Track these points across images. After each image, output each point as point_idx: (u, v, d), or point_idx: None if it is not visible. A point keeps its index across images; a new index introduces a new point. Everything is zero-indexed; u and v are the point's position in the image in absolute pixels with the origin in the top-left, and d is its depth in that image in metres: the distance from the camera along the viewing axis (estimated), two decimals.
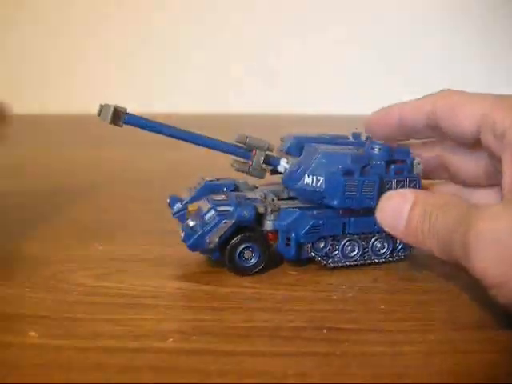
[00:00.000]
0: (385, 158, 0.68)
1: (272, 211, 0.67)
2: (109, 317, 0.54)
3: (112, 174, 1.25)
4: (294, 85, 2.16)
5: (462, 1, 2.12)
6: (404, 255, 0.71)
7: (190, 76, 2.18)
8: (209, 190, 0.70)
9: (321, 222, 0.66)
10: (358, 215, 0.68)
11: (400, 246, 0.71)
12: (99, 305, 0.57)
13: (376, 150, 0.68)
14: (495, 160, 0.64)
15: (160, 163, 1.38)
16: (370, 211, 0.65)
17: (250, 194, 0.70)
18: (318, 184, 0.65)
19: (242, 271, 0.66)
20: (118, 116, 0.65)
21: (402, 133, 0.75)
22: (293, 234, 0.65)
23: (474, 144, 0.66)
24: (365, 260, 0.69)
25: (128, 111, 0.65)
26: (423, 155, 0.75)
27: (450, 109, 0.67)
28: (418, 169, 0.71)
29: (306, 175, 0.66)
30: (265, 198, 0.69)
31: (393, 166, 0.69)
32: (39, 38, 2.21)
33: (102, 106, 0.65)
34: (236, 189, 0.72)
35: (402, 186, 0.69)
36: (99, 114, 0.65)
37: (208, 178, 0.73)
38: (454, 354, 0.49)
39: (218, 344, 0.50)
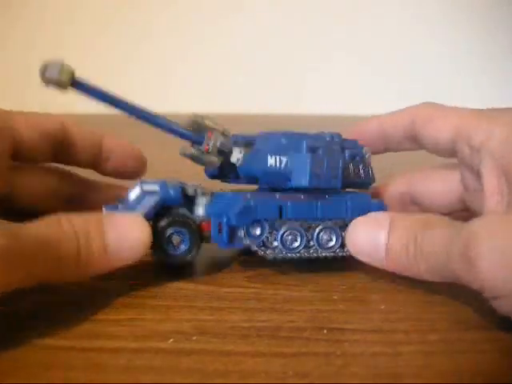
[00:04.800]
0: (338, 143, 0.66)
1: (203, 194, 0.63)
2: (109, 317, 0.54)
3: None
4: (293, 85, 2.16)
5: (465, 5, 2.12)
6: None
7: (190, 77, 2.18)
8: None
9: (252, 202, 0.62)
10: (297, 200, 0.64)
11: None
12: (99, 305, 0.57)
13: (327, 137, 0.66)
14: (468, 172, 0.65)
15: (158, 159, 1.37)
16: (310, 197, 0.63)
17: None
18: (282, 165, 0.63)
19: (171, 260, 0.62)
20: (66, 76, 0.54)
21: (381, 143, 0.75)
22: (224, 218, 0.62)
23: (451, 155, 0.67)
24: (310, 253, 0.64)
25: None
26: (390, 190, 0.76)
27: (428, 120, 0.67)
28: (367, 158, 0.70)
29: (269, 156, 0.62)
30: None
31: (347, 151, 0.67)
32: (41, 38, 2.21)
33: (47, 63, 0.54)
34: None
35: (358, 173, 0.68)
36: (43, 74, 0.54)
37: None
38: (453, 354, 0.49)
39: (218, 344, 0.50)
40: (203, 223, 0.63)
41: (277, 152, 0.62)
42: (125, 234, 0.55)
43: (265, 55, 2.18)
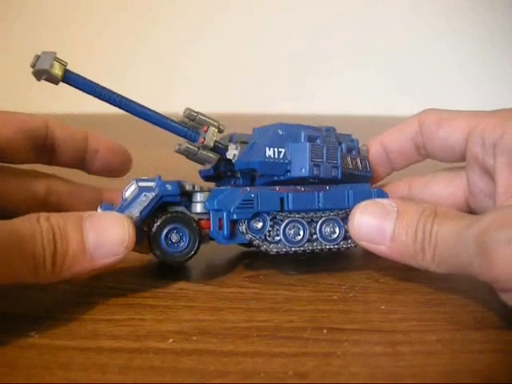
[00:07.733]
0: (334, 135, 0.66)
1: (201, 190, 0.61)
2: (109, 317, 0.54)
3: None
4: (293, 85, 2.16)
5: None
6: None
7: (190, 77, 2.18)
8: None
9: (253, 195, 0.61)
10: (297, 191, 0.63)
11: None
12: (99, 305, 0.57)
13: (323, 129, 0.66)
14: (477, 172, 0.64)
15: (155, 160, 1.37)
16: (310, 188, 0.63)
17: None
18: (281, 156, 0.61)
19: (171, 259, 0.60)
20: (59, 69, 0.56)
21: (387, 165, 0.74)
22: (224, 213, 0.60)
23: (461, 157, 0.67)
24: (314, 247, 0.63)
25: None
26: (390, 191, 0.73)
27: (437, 124, 0.67)
28: (363, 151, 0.70)
29: (267, 148, 0.61)
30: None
31: (343, 144, 0.67)
32: (42, 38, 2.21)
33: (40, 55, 0.56)
34: None
35: (356, 165, 0.67)
36: (34, 66, 0.56)
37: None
38: (453, 354, 0.49)
39: (218, 344, 0.50)
40: (202, 221, 0.61)
41: (275, 144, 0.61)
42: (104, 232, 0.54)
43: (265, 55, 2.18)
